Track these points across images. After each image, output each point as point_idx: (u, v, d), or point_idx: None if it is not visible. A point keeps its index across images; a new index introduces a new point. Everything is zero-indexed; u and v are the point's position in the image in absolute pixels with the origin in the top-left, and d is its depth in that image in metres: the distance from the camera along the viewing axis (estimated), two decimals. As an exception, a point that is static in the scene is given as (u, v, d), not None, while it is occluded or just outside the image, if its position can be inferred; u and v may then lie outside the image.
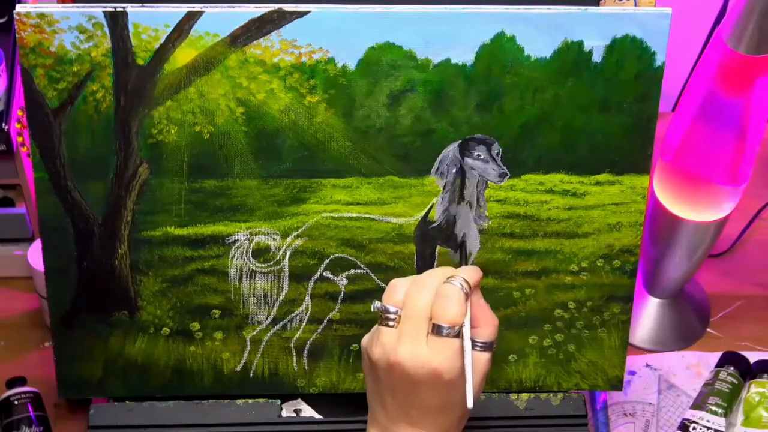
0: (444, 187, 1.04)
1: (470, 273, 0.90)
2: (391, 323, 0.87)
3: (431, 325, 0.86)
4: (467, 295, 0.86)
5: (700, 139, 1.10)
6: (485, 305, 0.90)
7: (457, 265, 1.03)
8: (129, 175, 1.03)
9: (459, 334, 0.86)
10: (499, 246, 1.07)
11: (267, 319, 1.08)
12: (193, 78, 1.00)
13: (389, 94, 1.01)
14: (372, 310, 0.88)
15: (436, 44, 1.00)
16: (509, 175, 1.04)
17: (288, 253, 1.06)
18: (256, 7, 0.98)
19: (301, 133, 1.02)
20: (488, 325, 0.90)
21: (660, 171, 1.16)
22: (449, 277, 0.88)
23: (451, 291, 0.86)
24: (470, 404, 0.86)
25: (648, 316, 1.28)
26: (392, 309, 0.87)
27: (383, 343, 0.87)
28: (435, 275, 0.89)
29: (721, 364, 1.21)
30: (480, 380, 0.90)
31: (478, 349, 0.90)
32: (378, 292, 1.07)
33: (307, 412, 1.11)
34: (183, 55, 0.99)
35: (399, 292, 0.88)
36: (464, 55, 1.00)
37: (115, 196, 1.03)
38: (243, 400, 1.10)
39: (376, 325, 0.89)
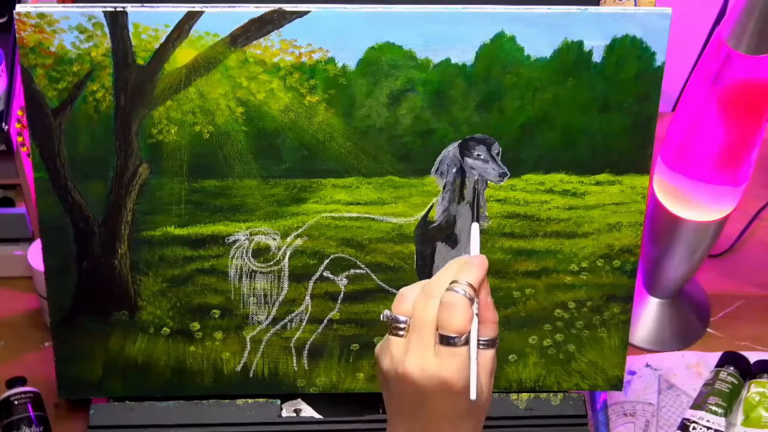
0: (444, 187, 1.04)
1: (475, 272, 0.88)
2: (400, 333, 0.87)
3: (438, 334, 0.86)
4: (472, 300, 0.86)
5: (700, 139, 1.10)
6: (489, 302, 0.89)
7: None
8: (129, 174, 1.03)
9: (467, 341, 0.85)
10: (499, 246, 1.07)
11: (267, 319, 1.08)
12: (193, 78, 1.00)
13: (389, 94, 1.01)
14: (381, 319, 0.87)
15: (436, 44, 1.00)
16: (509, 175, 1.04)
17: (288, 253, 1.06)
18: (256, 7, 0.98)
19: (301, 133, 1.02)
20: (489, 322, 0.90)
21: (660, 171, 1.16)
22: (452, 283, 0.87)
23: (456, 299, 0.85)
24: (473, 396, 0.85)
25: (648, 316, 1.28)
26: (401, 318, 0.87)
27: (392, 354, 0.87)
28: (441, 281, 0.88)
29: (721, 364, 1.21)
30: (488, 378, 0.89)
31: (481, 347, 0.89)
32: (378, 292, 1.08)
33: (307, 412, 1.11)
34: (183, 55, 0.99)
35: (407, 301, 0.88)
36: (464, 55, 1.00)
37: (115, 195, 1.03)
38: (243, 400, 1.10)
39: (387, 333, 0.89)
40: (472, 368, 0.85)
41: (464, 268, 0.88)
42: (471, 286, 0.86)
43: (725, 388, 1.18)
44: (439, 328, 0.85)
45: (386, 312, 0.87)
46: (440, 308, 0.85)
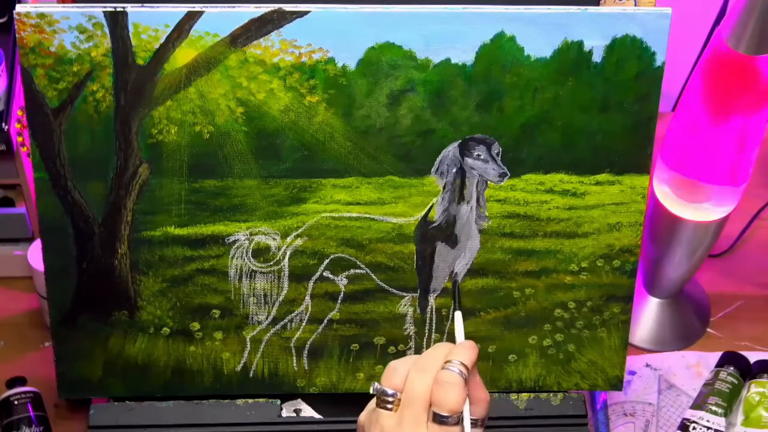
0: (444, 187, 1.04)
1: (467, 353, 0.89)
2: (389, 406, 0.87)
3: (431, 412, 0.86)
4: (466, 380, 0.86)
5: (700, 139, 1.10)
6: (479, 381, 0.90)
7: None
8: (129, 175, 1.03)
9: (459, 421, 0.86)
10: (499, 246, 1.07)
11: (267, 319, 1.08)
12: (193, 78, 1.00)
13: (389, 94, 1.01)
14: (371, 392, 0.87)
15: (436, 44, 1.00)
16: (509, 175, 1.04)
17: (288, 253, 1.06)
18: (256, 7, 0.98)
19: (301, 133, 1.02)
20: (481, 402, 0.90)
21: (660, 171, 1.16)
22: (447, 362, 0.87)
23: (451, 378, 0.85)
24: None
25: (648, 316, 1.28)
26: (390, 392, 0.86)
27: (383, 427, 0.87)
28: (434, 358, 0.88)
29: (721, 364, 1.21)
30: None
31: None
32: (378, 292, 1.08)
33: (307, 412, 1.11)
34: (183, 55, 0.99)
35: (398, 375, 0.87)
36: (464, 55, 1.00)
37: (115, 195, 1.03)
38: (243, 400, 1.10)
39: (372, 403, 0.88)
40: None
41: (458, 349, 0.88)
42: (465, 366, 0.86)
43: (725, 388, 1.18)
44: (434, 406, 0.85)
45: (376, 384, 0.87)
46: (435, 386, 0.85)
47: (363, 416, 0.89)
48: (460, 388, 0.85)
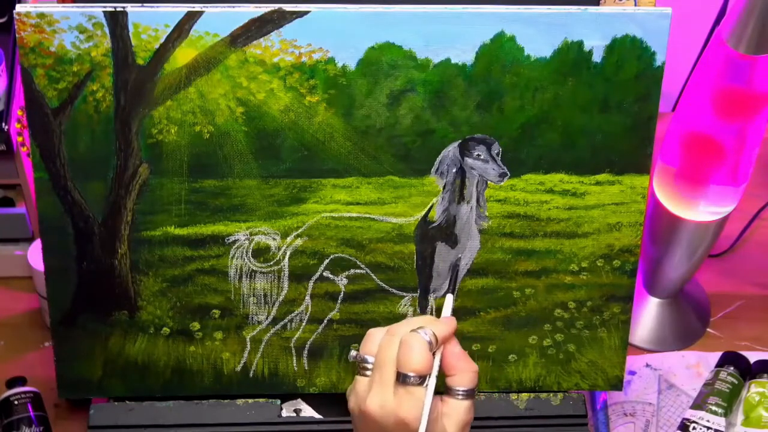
0: (444, 187, 1.04)
1: (441, 326, 0.91)
2: (367, 372, 0.90)
3: (397, 373, 0.88)
4: (432, 345, 0.88)
5: (700, 139, 1.10)
6: (461, 352, 0.91)
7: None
8: (129, 174, 1.03)
9: (423, 383, 0.87)
10: (499, 246, 1.07)
11: (267, 319, 1.08)
12: (193, 78, 1.00)
13: (389, 94, 1.01)
14: (349, 359, 0.90)
15: (436, 44, 1.00)
16: (509, 175, 1.04)
17: (288, 253, 1.06)
18: (256, 7, 0.98)
19: (301, 133, 1.02)
20: (467, 372, 0.91)
21: (660, 171, 1.16)
22: (418, 328, 0.90)
23: (414, 340, 0.88)
24: None
25: (648, 316, 1.28)
26: (368, 359, 0.90)
27: (357, 392, 0.90)
28: (407, 325, 0.91)
29: (721, 364, 1.21)
30: (462, 429, 0.91)
31: (459, 397, 0.91)
32: (378, 292, 1.08)
33: (307, 412, 1.11)
34: (183, 55, 0.99)
35: (375, 341, 0.90)
36: (464, 55, 1.00)
37: (115, 195, 1.03)
38: (243, 400, 1.10)
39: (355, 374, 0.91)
40: (425, 411, 0.86)
41: (433, 320, 0.90)
42: (434, 335, 0.88)
43: (725, 388, 1.18)
44: (398, 366, 0.87)
45: (353, 352, 0.90)
46: (400, 348, 0.87)
47: (348, 388, 0.92)
48: (423, 349, 0.87)
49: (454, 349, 0.91)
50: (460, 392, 0.90)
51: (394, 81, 1.01)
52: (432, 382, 0.88)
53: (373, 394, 0.88)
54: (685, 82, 1.39)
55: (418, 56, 1.00)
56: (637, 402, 1.21)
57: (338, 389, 1.10)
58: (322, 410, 1.11)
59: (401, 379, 0.87)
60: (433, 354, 0.89)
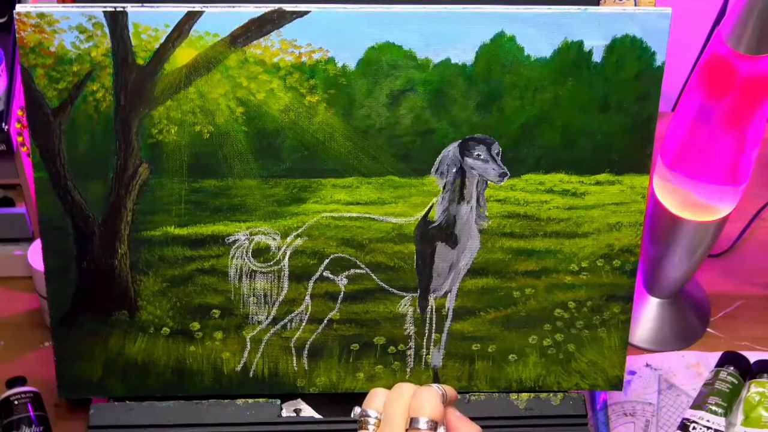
0: (444, 187, 1.04)
1: (447, 387, 0.92)
2: (370, 428, 0.89)
3: (409, 421, 0.88)
4: (443, 396, 0.89)
5: (700, 139, 1.10)
6: (464, 416, 0.92)
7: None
8: (129, 174, 1.03)
9: (436, 430, 0.88)
10: (499, 246, 1.07)
11: (267, 318, 1.08)
12: (193, 78, 1.00)
13: (389, 94, 1.01)
14: (352, 416, 0.90)
15: (436, 44, 1.00)
16: (509, 174, 1.04)
17: (288, 253, 1.06)
18: (256, 7, 0.98)
19: (301, 132, 1.02)
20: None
21: (660, 171, 1.16)
22: (428, 384, 0.90)
23: (428, 389, 0.89)
24: None
25: (648, 316, 1.28)
26: (372, 413, 0.90)
27: None
28: (413, 384, 0.91)
29: (721, 364, 1.21)
30: None
31: None
32: (378, 292, 1.08)
33: (307, 412, 1.11)
34: (183, 55, 0.99)
35: (379, 398, 0.91)
36: (464, 54, 1.00)
37: (115, 195, 1.03)
38: (243, 400, 1.10)
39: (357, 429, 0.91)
40: None
41: (432, 391, 0.90)
42: (443, 389, 0.89)
43: (725, 388, 1.18)
44: (411, 413, 0.88)
45: (356, 408, 0.90)
46: (413, 398, 0.88)
47: None
48: (437, 399, 0.88)
49: (456, 412, 0.92)
50: None
51: (394, 81, 1.01)
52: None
53: None
54: (685, 82, 1.39)
55: (418, 56, 1.00)
56: (637, 402, 1.21)
57: (338, 389, 1.10)
58: (322, 410, 1.11)
59: (414, 425, 0.87)
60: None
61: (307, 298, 1.08)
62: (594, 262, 1.08)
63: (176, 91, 1.00)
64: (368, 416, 0.90)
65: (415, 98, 1.01)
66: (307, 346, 1.09)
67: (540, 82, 1.01)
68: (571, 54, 1.01)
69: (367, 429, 0.90)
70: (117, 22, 0.98)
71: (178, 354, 1.08)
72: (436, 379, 1.10)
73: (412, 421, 0.87)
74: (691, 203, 1.14)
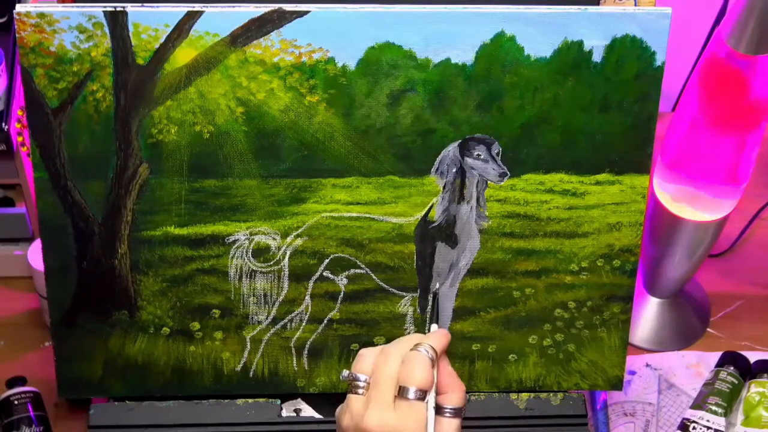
0: (444, 187, 1.04)
1: (437, 339, 0.92)
2: (360, 391, 0.89)
3: (398, 389, 0.87)
4: (433, 361, 0.89)
5: (700, 138, 1.10)
6: (452, 371, 0.92)
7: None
8: (129, 174, 1.03)
9: (425, 399, 0.87)
10: (499, 246, 1.07)
11: (267, 318, 1.08)
12: (193, 78, 1.00)
13: (389, 94, 1.01)
14: (341, 378, 0.90)
15: (436, 44, 1.00)
16: (509, 174, 1.04)
17: (288, 253, 1.06)
18: (256, 7, 0.98)
19: (301, 132, 1.02)
20: (456, 391, 0.92)
21: (660, 171, 1.16)
22: (416, 345, 0.90)
23: (418, 356, 0.88)
24: None
25: (648, 316, 1.28)
26: (361, 377, 0.90)
27: (352, 411, 0.89)
28: (402, 344, 0.91)
29: (721, 364, 1.21)
30: None
31: (447, 415, 0.91)
32: (378, 292, 1.08)
33: (307, 412, 1.11)
34: (183, 55, 0.99)
35: (367, 360, 0.91)
36: (464, 54, 1.00)
37: (115, 195, 1.03)
38: (243, 400, 1.10)
39: (347, 393, 0.91)
40: (430, 425, 0.87)
41: (425, 336, 0.91)
42: (433, 348, 0.88)
43: (725, 388, 1.18)
44: (400, 381, 0.88)
45: (345, 372, 0.90)
46: (402, 364, 0.88)
47: (338, 410, 0.91)
48: (427, 366, 0.87)
49: (447, 367, 0.92)
50: (449, 411, 0.91)
51: (394, 81, 1.01)
52: (432, 396, 0.88)
53: (371, 412, 0.88)
54: (685, 82, 1.39)
55: (418, 56, 1.00)
56: (637, 402, 1.21)
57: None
58: (322, 410, 1.11)
59: (403, 393, 0.87)
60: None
61: (307, 298, 1.08)
62: (594, 262, 1.08)
63: (176, 91, 1.00)
64: (358, 380, 0.89)
65: (415, 98, 1.01)
66: (307, 346, 1.09)
67: (540, 82, 1.01)
68: (571, 54, 1.01)
69: (357, 393, 0.89)
70: (117, 22, 0.98)
71: (178, 354, 1.08)
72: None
73: (401, 390, 0.87)
74: (691, 203, 1.14)
